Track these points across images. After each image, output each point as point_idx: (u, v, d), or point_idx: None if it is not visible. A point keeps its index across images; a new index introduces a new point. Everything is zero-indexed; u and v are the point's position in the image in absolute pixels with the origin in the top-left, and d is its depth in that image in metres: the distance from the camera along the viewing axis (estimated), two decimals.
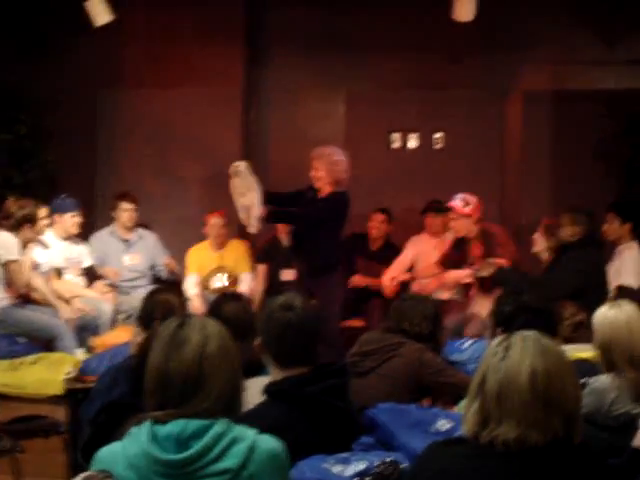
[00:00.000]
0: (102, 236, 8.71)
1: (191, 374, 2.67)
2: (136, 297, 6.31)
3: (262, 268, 8.73)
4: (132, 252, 8.63)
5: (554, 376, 2.51)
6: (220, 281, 8.73)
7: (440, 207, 8.23)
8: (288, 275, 8.35)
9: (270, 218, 7.51)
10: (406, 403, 4.03)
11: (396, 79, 9.31)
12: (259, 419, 3.33)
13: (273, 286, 8.46)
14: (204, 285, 8.75)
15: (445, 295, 8.25)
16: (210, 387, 2.68)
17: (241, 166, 7.31)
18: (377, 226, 8.88)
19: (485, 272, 7.17)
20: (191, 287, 8.64)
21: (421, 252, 8.57)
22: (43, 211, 7.70)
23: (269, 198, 7.41)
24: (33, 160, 9.11)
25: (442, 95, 9.25)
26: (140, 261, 8.64)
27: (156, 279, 8.65)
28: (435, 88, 9.23)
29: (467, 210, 7.67)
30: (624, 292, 7.16)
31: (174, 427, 2.62)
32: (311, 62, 9.46)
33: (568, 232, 7.02)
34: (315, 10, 9.34)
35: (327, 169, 7.43)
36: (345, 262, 8.67)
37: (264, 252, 8.74)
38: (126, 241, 8.68)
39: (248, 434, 2.68)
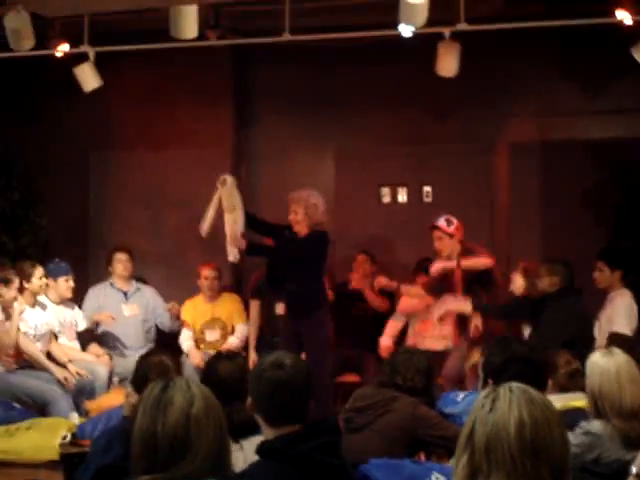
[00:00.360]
0: (100, 288, 8.80)
1: (178, 436, 2.68)
2: (131, 360, 6.32)
3: (255, 304, 8.75)
4: (130, 303, 8.67)
5: (542, 426, 2.50)
6: (213, 335, 8.77)
7: (428, 266, 8.30)
8: (282, 309, 8.27)
9: (250, 251, 7.61)
10: (401, 458, 4.04)
11: (384, 134, 9.39)
12: (252, 479, 3.35)
13: (269, 321, 8.54)
14: (199, 338, 8.78)
15: (440, 345, 8.28)
16: (197, 448, 2.68)
17: (228, 179, 7.40)
18: (359, 265, 8.91)
19: (473, 359, 7.30)
20: (186, 340, 8.67)
21: (414, 311, 8.61)
22: (39, 271, 7.76)
23: (249, 220, 7.52)
24: (25, 225, 9.16)
25: (430, 149, 9.32)
26: (139, 312, 8.67)
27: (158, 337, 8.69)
28: (423, 142, 9.31)
29: (450, 229, 7.82)
30: (617, 339, 7.20)
31: None
32: (299, 119, 9.55)
33: (546, 283, 7.11)
34: (301, 68, 9.43)
35: (305, 213, 7.53)
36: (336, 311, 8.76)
37: (256, 288, 8.74)
38: (124, 292, 8.73)
39: None
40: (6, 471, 6.07)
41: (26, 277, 7.75)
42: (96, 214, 9.67)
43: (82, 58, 8.02)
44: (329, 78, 9.44)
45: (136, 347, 8.45)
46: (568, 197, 8.89)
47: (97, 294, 8.76)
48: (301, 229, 7.58)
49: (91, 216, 9.70)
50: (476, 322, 7.74)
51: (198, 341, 8.80)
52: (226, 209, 7.44)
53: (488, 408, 2.55)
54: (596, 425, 4.19)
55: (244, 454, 3.92)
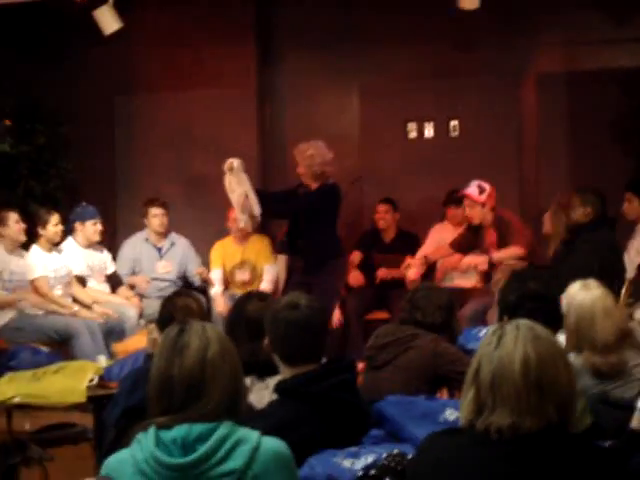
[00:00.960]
0: (135, 243, 8.83)
1: (193, 378, 2.73)
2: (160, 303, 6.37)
3: (282, 258, 8.78)
4: (165, 259, 8.70)
5: (547, 363, 2.53)
6: (243, 275, 8.80)
7: (461, 198, 8.24)
8: None
9: (262, 214, 7.60)
10: (423, 394, 4.04)
11: (409, 69, 9.30)
12: (269, 417, 3.38)
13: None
14: (229, 279, 8.83)
15: (468, 283, 8.28)
16: (212, 390, 2.73)
17: (235, 162, 7.40)
18: (382, 217, 8.89)
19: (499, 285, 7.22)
20: (215, 284, 8.71)
21: (443, 241, 8.59)
22: (54, 218, 7.83)
23: (259, 197, 7.50)
24: (52, 170, 9.20)
25: (456, 83, 9.22)
26: (172, 268, 8.70)
27: (186, 287, 8.74)
28: (448, 76, 9.20)
29: (482, 198, 7.70)
30: None
31: (179, 431, 2.67)
32: (323, 57, 9.47)
33: (579, 213, 6.99)
34: (323, 6, 9.35)
35: (304, 164, 7.55)
36: (363, 258, 8.77)
37: (282, 242, 8.78)
38: (159, 249, 8.74)
39: (252, 435, 2.71)
40: (37, 414, 6.17)
41: (42, 223, 7.83)
42: (122, 157, 9.67)
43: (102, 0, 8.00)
44: (352, 14, 9.35)
45: (167, 292, 8.49)
46: (597, 127, 8.77)
47: (132, 248, 8.78)
48: (308, 182, 7.60)
49: (117, 159, 9.70)
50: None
51: (228, 282, 8.84)
52: (232, 191, 7.45)
53: (494, 345, 2.59)
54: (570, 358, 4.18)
55: (269, 391, 3.94)
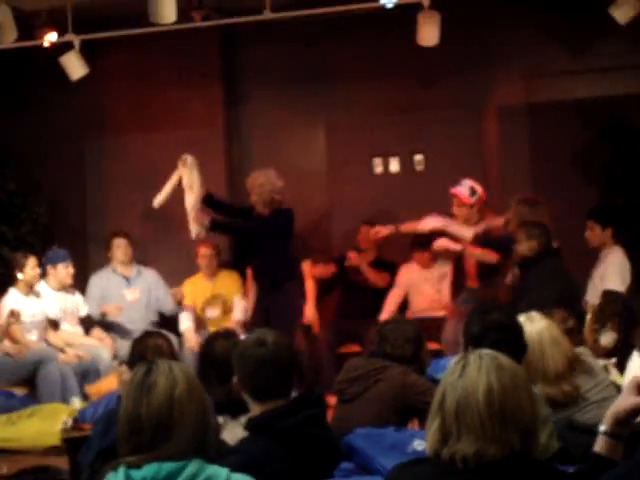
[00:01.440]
0: (102, 274, 8.88)
1: (161, 417, 2.75)
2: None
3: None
4: (132, 287, 8.75)
5: (510, 392, 2.58)
6: (213, 312, 8.87)
7: (425, 242, 8.34)
8: None
9: (213, 227, 7.76)
10: (395, 425, 4.10)
11: (374, 105, 9.40)
12: (240, 454, 3.44)
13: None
14: (200, 316, 8.90)
15: (439, 312, 8.37)
16: (181, 429, 2.75)
17: (189, 159, 7.63)
18: (364, 236, 8.93)
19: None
20: (184, 321, 8.78)
21: (413, 285, 8.70)
22: (32, 261, 7.87)
23: (210, 201, 7.76)
24: (24, 214, 9.22)
25: (419, 117, 9.33)
26: (140, 296, 8.74)
27: (159, 320, 8.78)
28: (412, 111, 9.32)
29: (471, 200, 7.76)
30: (610, 297, 7.28)
31: (148, 470, 2.68)
32: (289, 95, 9.57)
33: (525, 247, 7.10)
34: (288, 44, 9.42)
35: (255, 193, 7.78)
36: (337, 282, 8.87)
37: None
38: (126, 278, 8.80)
39: (221, 473, 2.73)
40: (14, 458, 6.19)
41: (19, 268, 7.87)
42: (93, 199, 9.72)
43: (69, 46, 8.06)
44: (316, 52, 9.44)
45: (139, 330, 8.53)
46: (557, 157, 8.91)
47: (99, 281, 8.84)
48: (260, 209, 7.81)
49: (88, 202, 9.75)
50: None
51: (199, 320, 8.90)
52: (186, 188, 7.70)
53: (458, 374, 2.63)
54: None
55: (242, 429, 4.00)
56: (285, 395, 3.66)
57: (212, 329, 8.44)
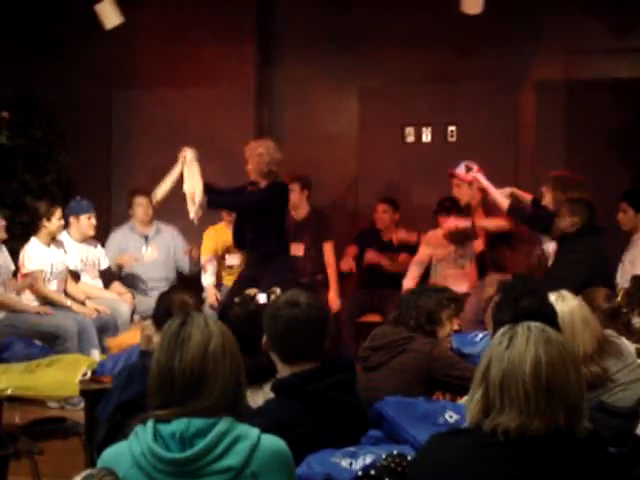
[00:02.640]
0: (121, 231, 8.85)
1: (194, 372, 2.70)
2: (154, 298, 6.36)
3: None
4: (151, 245, 8.69)
5: (557, 366, 2.52)
6: (232, 260, 8.79)
7: (450, 207, 8.25)
8: (297, 250, 8.51)
9: (209, 203, 7.68)
10: (416, 396, 4.01)
11: (408, 73, 9.30)
12: (266, 415, 3.36)
13: None
14: (221, 264, 8.83)
15: (462, 287, 8.27)
16: (213, 385, 2.70)
17: (188, 154, 7.52)
18: (380, 217, 8.84)
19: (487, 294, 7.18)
20: (207, 276, 8.73)
21: (437, 248, 8.58)
22: (58, 211, 7.81)
23: (207, 190, 7.62)
24: (48, 164, 9.18)
25: (455, 88, 9.22)
26: (159, 255, 8.68)
27: (178, 278, 8.71)
28: (448, 81, 9.21)
29: (469, 176, 7.70)
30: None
31: (178, 425, 2.65)
32: (323, 59, 9.45)
33: (567, 222, 6.98)
34: (325, 8, 9.33)
35: (252, 162, 7.66)
36: (356, 255, 8.77)
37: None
38: (145, 236, 8.74)
39: (251, 433, 2.69)
40: (27, 408, 6.16)
41: (47, 216, 7.80)
42: (118, 152, 9.65)
43: None
44: (354, 18, 9.31)
45: (158, 287, 8.47)
46: (593, 137, 8.79)
47: (118, 238, 8.79)
48: (256, 179, 7.72)
49: (113, 154, 9.68)
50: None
51: (220, 268, 8.83)
52: (186, 184, 7.56)
53: (505, 345, 2.57)
54: None
55: (264, 394, 3.94)
56: (315, 358, 3.58)
57: (229, 279, 8.50)
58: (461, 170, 7.78)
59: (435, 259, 8.50)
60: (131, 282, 8.66)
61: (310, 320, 3.57)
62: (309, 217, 8.66)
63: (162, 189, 7.74)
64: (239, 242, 7.96)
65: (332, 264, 8.64)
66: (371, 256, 8.72)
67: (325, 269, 8.66)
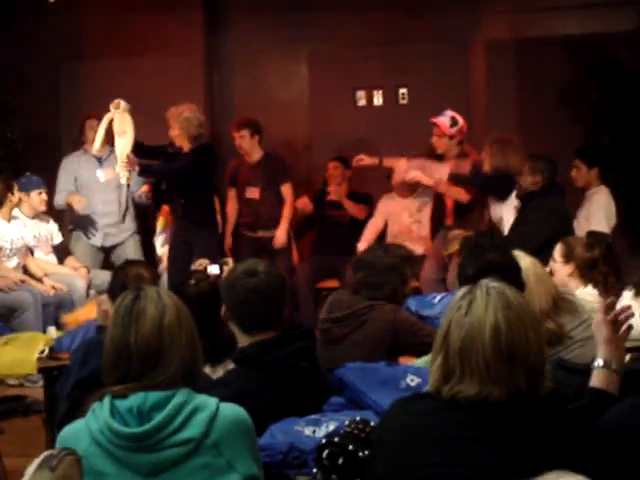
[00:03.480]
0: (73, 156, 8.70)
1: (151, 346, 2.68)
2: (108, 273, 6.31)
3: (232, 192, 8.71)
4: (105, 167, 8.52)
5: (517, 331, 2.48)
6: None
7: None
8: (252, 193, 8.49)
9: (142, 172, 7.81)
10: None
11: (357, 37, 9.25)
12: (229, 386, 3.34)
13: (240, 205, 8.62)
14: None
15: (418, 249, 8.25)
16: (170, 358, 2.69)
17: (122, 103, 7.55)
18: (332, 173, 8.81)
19: (452, 248, 7.13)
20: (160, 246, 8.67)
21: (392, 213, 8.57)
22: (16, 185, 7.76)
23: (137, 147, 7.68)
24: None
25: (405, 50, 9.18)
26: (114, 175, 8.51)
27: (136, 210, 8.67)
28: (397, 43, 9.17)
29: (452, 131, 7.61)
30: (595, 237, 7.20)
31: (134, 400, 2.64)
32: (271, 24, 9.38)
33: (529, 181, 6.98)
34: None
35: (180, 127, 7.68)
36: (315, 218, 8.75)
37: (231, 176, 8.68)
38: (98, 158, 8.59)
39: (209, 403, 2.68)
40: None
41: (11, 190, 7.74)
42: (67, 126, 9.51)
43: None
44: None
45: (114, 221, 8.50)
46: (545, 95, 8.77)
47: (71, 163, 8.64)
48: (182, 143, 7.75)
49: (63, 128, 9.55)
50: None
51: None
52: (117, 132, 7.61)
53: (464, 311, 2.53)
54: None
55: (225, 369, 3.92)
56: (275, 328, 3.59)
57: None
58: (444, 121, 7.65)
59: (390, 222, 8.50)
60: (85, 224, 8.54)
61: (269, 289, 3.56)
62: (262, 160, 8.56)
63: (97, 140, 7.78)
64: (158, 203, 8.20)
65: (289, 204, 8.54)
66: (334, 190, 8.71)
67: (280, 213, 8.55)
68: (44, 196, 8.12)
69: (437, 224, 7.96)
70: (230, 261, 5.63)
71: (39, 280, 7.83)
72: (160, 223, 8.75)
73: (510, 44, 8.98)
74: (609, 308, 3.02)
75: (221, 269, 5.26)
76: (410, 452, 2.50)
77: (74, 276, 8.09)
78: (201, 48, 9.54)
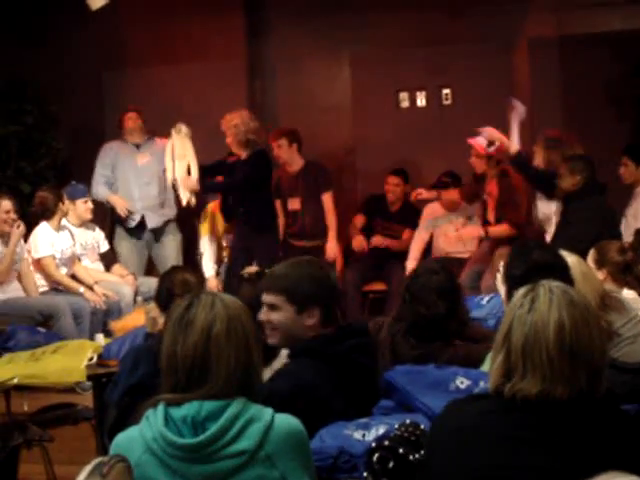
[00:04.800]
0: (112, 143, 8.82)
1: (197, 357, 2.64)
2: (155, 280, 6.33)
3: (277, 203, 8.63)
4: (143, 152, 8.64)
5: (581, 329, 2.45)
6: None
7: (447, 184, 8.20)
8: (294, 204, 8.53)
9: (203, 190, 8.07)
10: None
11: (399, 38, 9.21)
12: (290, 377, 3.32)
13: (285, 216, 8.62)
14: (219, 244, 8.76)
15: (464, 254, 8.22)
16: (217, 370, 2.64)
17: (183, 128, 7.82)
18: (392, 189, 8.79)
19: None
20: (207, 263, 8.64)
21: (436, 227, 8.52)
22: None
23: (201, 168, 7.98)
24: (42, 149, 9.15)
25: (447, 50, 9.13)
26: (151, 159, 8.61)
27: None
28: (440, 44, 9.12)
29: (490, 150, 7.56)
30: None
31: (189, 409, 2.60)
32: (313, 27, 9.36)
33: (569, 182, 6.90)
34: None
35: (230, 134, 7.87)
36: (364, 224, 8.73)
37: (275, 187, 8.63)
38: (136, 145, 8.70)
39: (265, 413, 2.63)
40: (36, 395, 6.13)
41: (61, 200, 7.87)
42: (111, 135, 9.56)
43: None
44: None
45: (152, 204, 8.59)
46: (590, 92, 8.71)
47: (109, 150, 8.75)
48: (236, 151, 7.95)
49: (107, 137, 9.61)
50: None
51: (219, 249, 8.76)
52: (177, 156, 7.88)
53: (527, 308, 2.49)
54: None
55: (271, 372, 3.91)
56: (331, 324, 3.52)
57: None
58: (481, 142, 7.59)
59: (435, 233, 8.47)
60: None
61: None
62: (303, 170, 8.56)
63: (169, 170, 8.00)
64: (228, 216, 8.23)
65: (332, 213, 8.51)
66: (378, 241, 8.68)
67: (324, 222, 8.53)
68: (90, 204, 8.19)
69: None
70: None
71: (90, 288, 7.90)
72: (204, 229, 8.74)
73: (553, 42, 8.90)
74: None
75: None
76: (466, 454, 2.47)
77: (121, 283, 8.16)
78: (243, 53, 9.57)
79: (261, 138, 7.99)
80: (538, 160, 7.30)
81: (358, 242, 8.72)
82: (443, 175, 8.38)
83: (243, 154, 7.92)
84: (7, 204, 7.59)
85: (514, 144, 7.29)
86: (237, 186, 7.98)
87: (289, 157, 8.49)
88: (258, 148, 7.94)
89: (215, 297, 2.74)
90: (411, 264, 8.15)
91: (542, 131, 7.57)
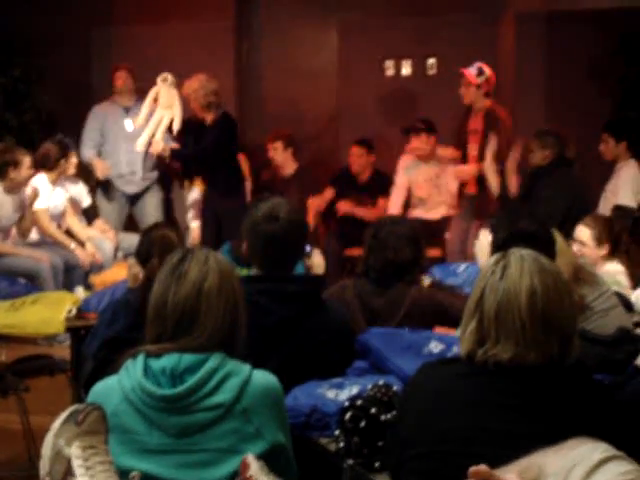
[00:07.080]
0: (101, 106, 8.71)
1: (186, 308, 2.69)
2: (136, 236, 6.35)
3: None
4: (131, 116, 8.53)
5: (553, 295, 2.48)
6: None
7: (422, 128, 8.15)
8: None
9: (172, 157, 8.13)
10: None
11: (387, 6, 9.21)
12: None
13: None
14: None
15: (436, 214, 8.22)
16: (206, 322, 2.69)
17: (169, 77, 7.80)
18: (355, 160, 8.72)
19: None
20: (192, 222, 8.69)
21: (411, 180, 8.49)
22: (73, 154, 7.87)
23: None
24: (28, 102, 9.10)
25: (434, 20, 9.16)
26: (139, 126, 8.57)
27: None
28: (427, 13, 9.14)
29: (478, 80, 7.57)
30: (621, 211, 7.22)
31: (168, 361, 2.65)
32: None
33: (539, 157, 7.00)
34: None
35: (192, 99, 7.82)
36: (335, 196, 8.74)
37: (267, 188, 8.67)
38: (125, 108, 8.63)
39: (242, 369, 2.68)
40: (13, 345, 6.15)
41: (65, 157, 7.83)
42: (98, 90, 9.55)
43: None
44: None
45: (138, 169, 8.53)
46: (574, 68, 8.75)
47: (98, 112, 8.67)
48: (200, 114, 7.89)
49: (94, 91, 9.60)
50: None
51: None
52: (163, 106, 7.88)
53: (499, 275, 2.51)
54: None
55: None
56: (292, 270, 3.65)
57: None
58: (471, 71, 7.60)
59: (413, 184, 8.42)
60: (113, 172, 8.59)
61: (289, 236, 3.58)
62: (295, 175, 8.64)
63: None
64: (190, 178, 8.41)
65: (313, 215, 8.62)
66: (344, 207, 8.64)
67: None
68: (74, 159, 8.13)
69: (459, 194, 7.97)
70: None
71: (81, 244, 7.92)
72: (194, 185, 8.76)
73: (540, 16, 8.94)
74: None
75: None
76: (437, 416, 2.50)
77: (102, 239, 8.16)
78: (232, 15, 9.55)
79: (221, 99, 7.91)
80: (534, 158, 7.36)
81: (316, 201, 8.73)
82: (418, 121, 8.29)
83: (207, 118, 7.86)
84: (29, 160, 7.57)
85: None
86: (207, 154, 7.93)
87: (283, 160, 8.57)
88: (222, 111, 7.90)
89: (209, 253, 2.80)
90: (393, 212, 8.12)
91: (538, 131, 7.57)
